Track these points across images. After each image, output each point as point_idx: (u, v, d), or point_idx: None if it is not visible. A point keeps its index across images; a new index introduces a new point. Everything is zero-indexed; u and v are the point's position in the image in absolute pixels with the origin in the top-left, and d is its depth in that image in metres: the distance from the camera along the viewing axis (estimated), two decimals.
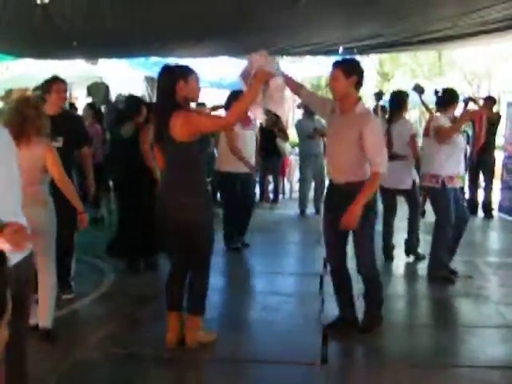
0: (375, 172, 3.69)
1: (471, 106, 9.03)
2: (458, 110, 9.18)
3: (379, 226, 5.37)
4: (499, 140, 9.93)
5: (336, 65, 3.76)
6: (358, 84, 3.75)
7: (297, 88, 4.04)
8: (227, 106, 5.98)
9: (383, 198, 5.76)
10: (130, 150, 5.33)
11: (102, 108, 9.76)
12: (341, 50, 7.95)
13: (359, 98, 3.80)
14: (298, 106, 9.79)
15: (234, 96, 5.85)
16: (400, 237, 6.18)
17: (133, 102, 5.71)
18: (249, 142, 6.25)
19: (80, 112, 8.62)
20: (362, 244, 3.88)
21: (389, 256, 5.95)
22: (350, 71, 3.69)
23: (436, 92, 5.86)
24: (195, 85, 3.61)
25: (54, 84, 4.49)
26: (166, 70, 3.63)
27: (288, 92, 3.87)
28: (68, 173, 3.83)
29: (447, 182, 5.15)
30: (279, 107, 3.75)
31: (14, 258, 2.30)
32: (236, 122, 3.72)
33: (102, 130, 8.16)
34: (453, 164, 5.19)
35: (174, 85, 3.51)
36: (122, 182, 5.67)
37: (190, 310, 3.74)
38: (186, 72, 3.59)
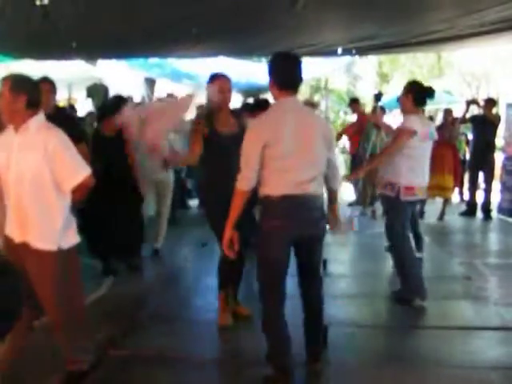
0: (235, 188, 3.10)
1: (472, 107, 9.07)
2: (459, 112, 9.25)
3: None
4: (499, 141, 9.94)
5: None
6: (275, 83, 3.06)
7: None
8: (251, 109, 5.85)
9: None
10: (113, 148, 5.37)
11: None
12: (339, 51, 7.96)
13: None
14: None
15: (256, 105, 5.87)
16: None
17: (114, 101, 5.61)
18: None
19: (79, 113, 8.61)
20: None
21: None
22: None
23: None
24: (212, 90, 3.92)
25: (41, 84, 4.47)
26: None
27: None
28: None
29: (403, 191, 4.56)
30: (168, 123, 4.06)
31: None
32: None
33: None
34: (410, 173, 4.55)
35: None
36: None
37: None
38: (209, 80, 3.97)
